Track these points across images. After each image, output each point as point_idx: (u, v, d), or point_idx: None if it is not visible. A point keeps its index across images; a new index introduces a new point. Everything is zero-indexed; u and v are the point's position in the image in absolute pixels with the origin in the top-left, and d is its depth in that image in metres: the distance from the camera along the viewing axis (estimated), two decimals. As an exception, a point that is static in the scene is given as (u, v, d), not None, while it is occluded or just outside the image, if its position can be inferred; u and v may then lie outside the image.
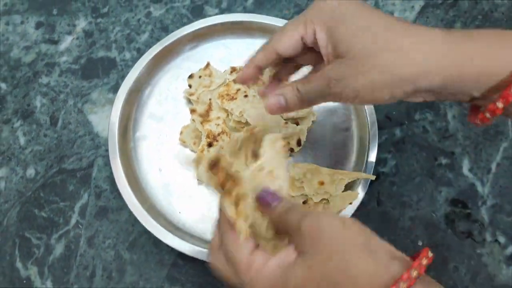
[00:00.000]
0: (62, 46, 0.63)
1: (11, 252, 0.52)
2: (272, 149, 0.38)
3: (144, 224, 0.49)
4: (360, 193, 0.51)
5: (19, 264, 0.52)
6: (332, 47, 0.35)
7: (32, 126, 0.58)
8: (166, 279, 0.51)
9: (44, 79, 0.61)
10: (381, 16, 0.35)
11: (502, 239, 0.52)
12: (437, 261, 0.51)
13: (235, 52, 0.60)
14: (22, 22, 0.64)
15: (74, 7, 0.65)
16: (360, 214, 0.53)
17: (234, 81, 0.56)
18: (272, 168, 0.37)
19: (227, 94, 0.55)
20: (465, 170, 0.55)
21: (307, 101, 0.38)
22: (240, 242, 0.33)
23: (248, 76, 0.42)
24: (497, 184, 0.55)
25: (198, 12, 0.65)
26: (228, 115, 0.55)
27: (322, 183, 0.51)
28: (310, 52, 0.39)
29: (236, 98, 0.54)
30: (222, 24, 0.59)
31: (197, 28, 0.59)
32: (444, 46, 0.32)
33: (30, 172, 0.56)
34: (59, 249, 0.52)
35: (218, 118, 0.55)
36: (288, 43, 0.38)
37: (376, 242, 0.31)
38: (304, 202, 0.51)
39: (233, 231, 0.34)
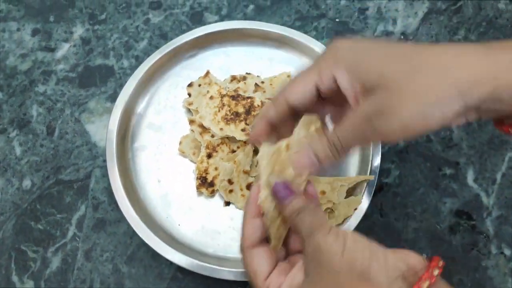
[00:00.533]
0: (59, 53, 0.62)
1: (7, 265, 0.51)
2: (305, 130, 0.36)
3: (143, 237, 0.48)
4: (363, 201, 0.49)
5: (15, 278, 0.50)
6: (360, 85, 0.32)
7: (28, 136, 0.57)
8: (165, 293, 0.50)
9: (40, 88, 0.60)
10: (404, 43, 0.32)
11: (507, 251, 0.51)
12: (442, 274, 0.50)
13: (235, 60, 0.59)
14: (18, 29, 0.63)
15: (71, 14, 0.64)
16: (363, 226, 0.52)
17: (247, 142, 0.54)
18: (299, 149, 0.35)
19: None
20: (470, 180, 0.54)
21: (344, 149, 0.33)
22: (256, 267, 0.34)
23: (260, 133, 0.38)
24: (502, 195, 0.54)
25: (197, 19, 0.64)
26: None
27: (323, 193, 0.50)
28: (327, 103, 0.37)
29: None
30: (222, 31, 0.58)
31: (196, 36, 0.58)
32: (487, 57, 0.29)
33: (26, 183, 0.55)
34: (55, 263, 0.51)
35: None
36: (300, 93, 0.35)
37: (378, 266, 0.29)
38: None
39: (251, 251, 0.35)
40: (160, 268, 0.51)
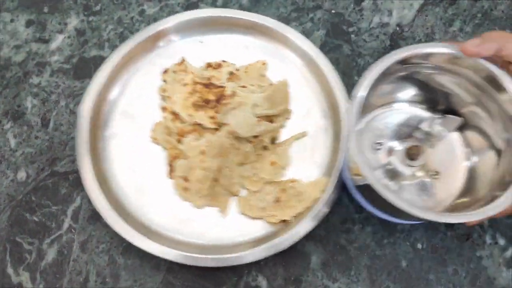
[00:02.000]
0: (53, 45, 0.61)
1: (2, 257, 0.51)
2: None
3: (117, 230, 0.48)
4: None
5: (10, 270, 0.50)
6: None
7: (23, 128, 0.56)
8: (162, 284, 0.50)
9: (35, 79, 0.59)
10: None
11: (502, 241, 0.52)
12: (437, 264, 0.51)
13: (211, 48, 0.59)
14: (12, 20, 0.63)
15: (66, 5, 0.64)
16: (359, 217, 0.52)
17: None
18: None
19: None
20: (465, 171, 0.55)
21: None
22: None
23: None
24: (497, 186, 0.54)
25: (192, 10, 0.63)
26: None
27: (274, 163, 0.52)
28: None
29: None
30: (196, 19, 0.58)
31: (170, 24, 0.58)
32: None
33: (21, 175, 0.54)
34: (51, 254, 0.51)
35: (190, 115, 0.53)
36: None
37: None
38: (276, 201, 0.51)
39: None
40: (156, 260, 0.50)
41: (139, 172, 0.53)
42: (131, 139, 0.54)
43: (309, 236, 0.51)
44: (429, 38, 0.61)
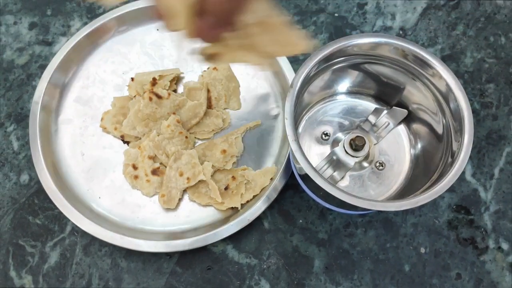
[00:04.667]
0: (56, 47, 0.61)
1: (5, 260, 0.51)
2: None
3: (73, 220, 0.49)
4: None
5: (13, 273, 0.50)
6: None
7: (25, 130, 0.56)
8: (165, 287, 0.50)
9: (38, 82, 0.59)
10: None
11: (505, 246, 0.52)
12: (440, 268, 0.50)
13: (167, 36, 0.60)
14: (15, 23, 0.63)
15: (69, 7, 0.64)
16: (362, 221, 0.52)
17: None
18: None
19: None
20: (468, 175, 0.55)
21: None
22: None
23: None
24: (500, 190, 0.54)
25: None
26: None
27: (224, 151, 0.53)
28: None
29: None
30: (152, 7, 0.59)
31: (127, 10, 0.58)
32: None
33: (24, 178, 0.54)
34: (54, 257, 0.51)
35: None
36: None
37: None
38: (225, 188, 0.52)
39: None
40: (159, 263, 0.50)
41: (90, 158, 0.54)
42: (84, 125, 0.55)
43: (312, 240, 0.51)
44: (432, 41, 0.61)
